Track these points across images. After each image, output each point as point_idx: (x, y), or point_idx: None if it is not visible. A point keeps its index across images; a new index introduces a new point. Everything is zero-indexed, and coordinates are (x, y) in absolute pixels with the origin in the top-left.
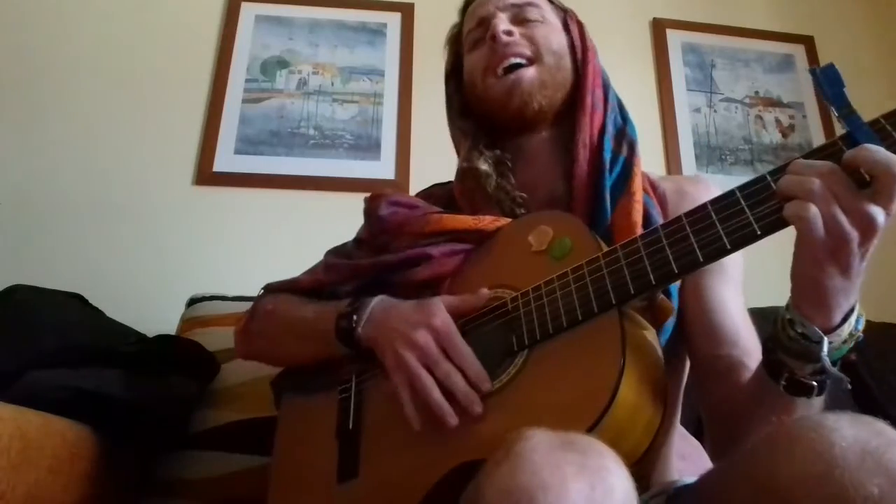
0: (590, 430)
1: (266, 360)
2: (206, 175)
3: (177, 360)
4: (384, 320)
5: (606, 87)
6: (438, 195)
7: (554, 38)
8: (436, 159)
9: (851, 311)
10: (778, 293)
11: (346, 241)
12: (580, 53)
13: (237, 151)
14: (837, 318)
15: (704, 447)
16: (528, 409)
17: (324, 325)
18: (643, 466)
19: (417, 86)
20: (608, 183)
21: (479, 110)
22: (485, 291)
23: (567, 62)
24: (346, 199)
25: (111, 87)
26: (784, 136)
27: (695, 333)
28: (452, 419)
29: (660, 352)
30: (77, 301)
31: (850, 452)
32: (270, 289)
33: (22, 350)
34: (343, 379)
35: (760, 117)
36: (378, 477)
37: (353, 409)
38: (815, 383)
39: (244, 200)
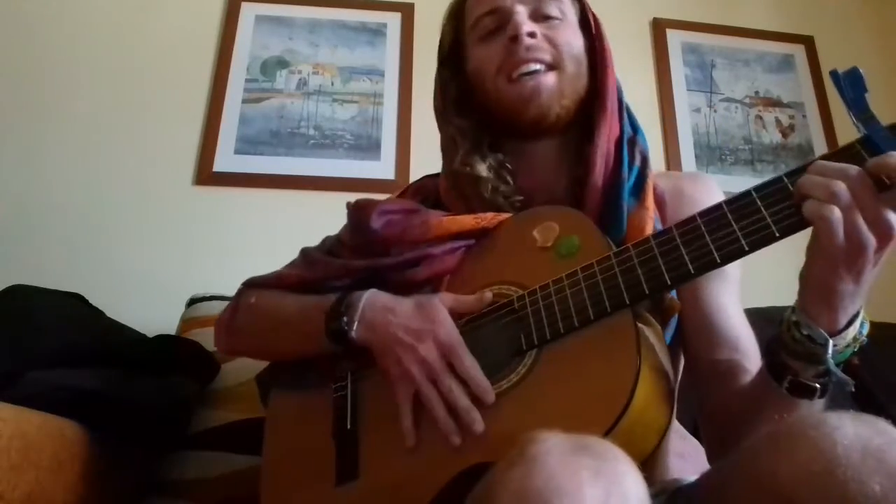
0: (607, 432)
1: (251, 355)
2: (206, 175)
3: (177, 360)
4: (383, 324)
5: (620, 93)
6: (430, 188)
7: (575, 41)
8: (436, 159)
9: (856, 315)
10: (774, 293)
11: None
12: (599, 56)
13: (237, 151)
14: (843, 321)
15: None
16: (541, 410)
17: (311, 326)
18: (646, 467)
19: (417, 86)
20: (626, 194)
21: (484, 108)
22: (487, 295)
23: (585, 68)
24: (345, 199)
25: (111, 88)
26: (784, 136)
27: (694, 336)
28: (457, 439)
29: (667, 351)
30: (77, 301)
31: (852, 451)
32: (252, 284)
33: (22, 350)
34: (337, 375)
35: (760, 117)
36: (381, 479)
37: (350, 407)
38: (818, 385)
39: (244, 200)
